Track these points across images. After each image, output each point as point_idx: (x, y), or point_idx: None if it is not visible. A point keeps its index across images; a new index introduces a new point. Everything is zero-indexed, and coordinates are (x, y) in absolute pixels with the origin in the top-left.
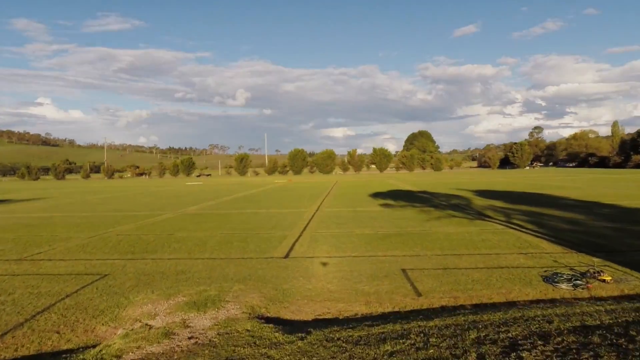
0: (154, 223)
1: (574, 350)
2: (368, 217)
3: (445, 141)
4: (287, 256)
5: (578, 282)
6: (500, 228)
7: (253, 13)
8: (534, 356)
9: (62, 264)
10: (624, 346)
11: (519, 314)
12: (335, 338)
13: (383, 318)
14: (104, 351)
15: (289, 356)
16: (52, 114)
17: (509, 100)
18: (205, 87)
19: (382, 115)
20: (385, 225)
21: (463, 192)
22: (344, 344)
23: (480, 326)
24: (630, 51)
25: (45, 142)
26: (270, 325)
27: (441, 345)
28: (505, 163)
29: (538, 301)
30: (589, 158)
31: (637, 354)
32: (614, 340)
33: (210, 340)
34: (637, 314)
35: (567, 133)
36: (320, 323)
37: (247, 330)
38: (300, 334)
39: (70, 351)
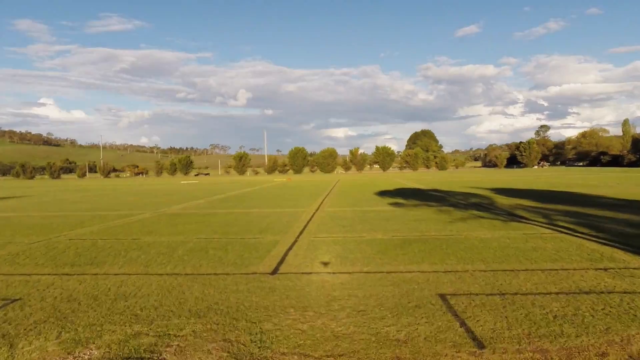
0: (124, 225)
1: None
2: (378, 217)
3: (447, 141)
4: (275, 271)
5: None
6: (547, 232)
7: (254, 14)
8: None
9: None
10: None
11: None
12: None
13: None
14: None
15: None
16: (55, 114)
17: (510, 100)
18: (207, 88)
19: (383, 115)
20: (402, 228)
21: (479, 190)
22: None
23: None
24: (634, 51)
25: (47, 141)
26: None
27: None
28: (512, 162)
29: None
30: (601, 157)
31: None
32: None
33: None
34: None
35: (569, 133)
36: None
37: None
38: None
39: None
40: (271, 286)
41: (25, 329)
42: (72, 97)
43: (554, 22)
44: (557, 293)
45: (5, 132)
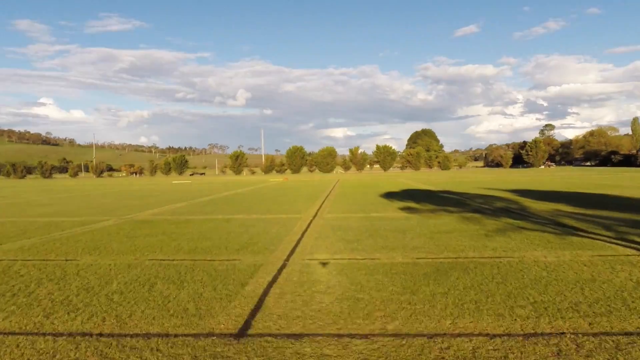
0: (71, 237)
1: None
2: (391, 228)
3: (446, 141)
4: (244, 330)
5: None
6: (634, 254)
7: (253, 13)
8: None
9: None
10: None
11: None
12: None
13: None
14: None
15: None
16: (55, 114)
17: (510, 100)
18: (206, 88)
19: (382, 115)
20: (426, 244)
21: (497, 192)
22: None
23: None
24: (634, 51)
25: (46, 141)
26: None
27: None
28: (517, 162)
29: None
30: (612, 156)
31: None
32: None
33: None
34: None
35: (569, 133)
36: None
37: None
38: None
39: None
40: None
41: None
42: (71, 97)
43: (554, 22)
44: None
45: (4, 131)
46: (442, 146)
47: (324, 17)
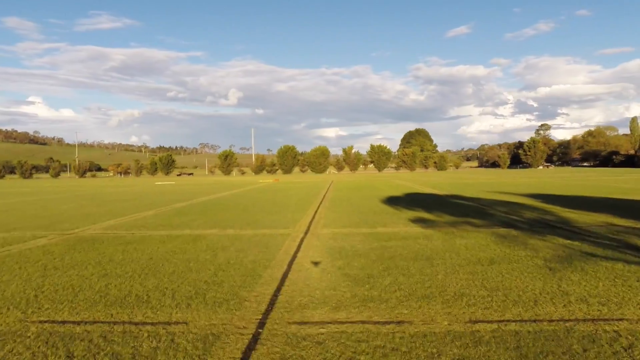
0: None
1: None
2: (411, 254)
3: (438, 141)
4: None
5: None
6: None
7: (245, 13)
8: None
9: None
10: None
11: None
12: None
13: None
14: None
15: None
16: (44, 112)
17: (500, 101)
18: (198, 87)
19: (374, 115)
20: (470, 287)
21: (514, 197)
22: None
23: None
24: (622, 53)
25: (33, 140)
26: None
27: None
28: (514, 162)
29: None
30: (614, 157)
31: None
32: None
33: None
34: None
35: (559, 134)
36: None
37: None
38: None
39: None
40: None
41: None
42: (61, 96)
43: (544, 24)
44: None
45: None
46: (435, 146)
47: (316, 17)
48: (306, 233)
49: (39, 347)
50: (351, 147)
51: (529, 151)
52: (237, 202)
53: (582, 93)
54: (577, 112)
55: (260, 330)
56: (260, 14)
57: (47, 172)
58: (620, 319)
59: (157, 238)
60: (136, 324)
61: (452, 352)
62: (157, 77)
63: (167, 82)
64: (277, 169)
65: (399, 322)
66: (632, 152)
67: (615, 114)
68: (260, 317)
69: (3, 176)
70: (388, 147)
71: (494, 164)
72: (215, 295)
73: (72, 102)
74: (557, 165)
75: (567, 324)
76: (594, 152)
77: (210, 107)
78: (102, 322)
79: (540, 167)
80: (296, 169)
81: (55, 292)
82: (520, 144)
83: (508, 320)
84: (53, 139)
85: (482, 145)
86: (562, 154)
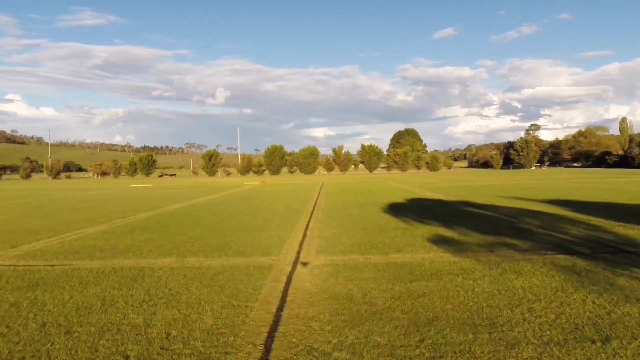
0: None
1: None
2: (459, 313)
3: (426, 142)
4: None
5: None
6: None
7: (233, 12)
8: None
9: None
10: None
11: None
12: None
13: None
14: None
15: None
16: (23, 111)
17: (486, 102)
18: (184, 86)
19: (362, 115)
20: None
21: (536, 204)
22: None
23: None
24: (602, 56)
25: (10, 139)
26: None
27: None
28: (506, 163)
29: None
30: (607, 157)
31: None
32: None
33: None
34: None
35: (542, 135)
36: None
37: None
38: None
39: None
40: None
41: None
42: (41, 94)
43: (527, 27)
44: None
45: None
46: (425, 146)
47: (305, 17)
48: (295, 264)
49: None
50: (341, 147)
51: (522, 151)
52: (213, 211)
53: (564, 95)
54: (559, 114)
55: None
56: (248, 12)
57: (14, 172)
58: None
59: (82, 275)
60: None
61: None
62: (142, 75)
63: (153, 81)
64: (265, 170)
65: None
66: (621, 152)
67: (595, 115)
68: None
69: None
70: (379, 147)
71: (485, 164)
72: None
73: (54, 100)
74: (549, 166)
75: None
76: (586, 153)
77: (197, 106)
78: None
79: (533, 168)
80: (284, 170)
81: None
82: (510, 144)
83: None
84: (32, 138)
85: (469, 146)
86: (553, 154)
